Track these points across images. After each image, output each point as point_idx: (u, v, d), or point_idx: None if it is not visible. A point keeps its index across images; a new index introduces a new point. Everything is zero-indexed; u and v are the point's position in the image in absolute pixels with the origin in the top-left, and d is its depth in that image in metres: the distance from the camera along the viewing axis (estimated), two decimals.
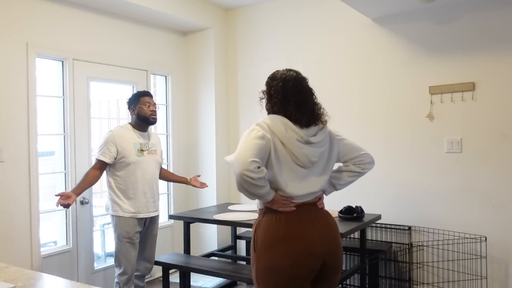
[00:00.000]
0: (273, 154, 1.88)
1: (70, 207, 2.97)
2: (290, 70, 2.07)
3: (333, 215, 3.08)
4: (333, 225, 2.03)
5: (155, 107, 3.24)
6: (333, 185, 2.12)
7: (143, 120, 3.19)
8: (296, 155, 1.90)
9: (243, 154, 1.79)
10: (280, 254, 1.88)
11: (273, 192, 1.92)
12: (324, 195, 2.11)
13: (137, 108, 3.17)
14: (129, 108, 3.23)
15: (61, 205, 2.86)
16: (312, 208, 1.99)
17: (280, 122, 1.92)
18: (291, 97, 1.97)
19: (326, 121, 2.04)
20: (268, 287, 1.92)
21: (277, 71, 2.07)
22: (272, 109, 2.00)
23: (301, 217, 1.93)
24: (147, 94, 3.27)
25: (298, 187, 1.94)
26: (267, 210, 1.98)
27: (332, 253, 1.96)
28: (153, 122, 3.25)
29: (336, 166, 2.13)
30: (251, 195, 1.88)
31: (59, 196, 2.89)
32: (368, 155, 2.12)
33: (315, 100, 2.07)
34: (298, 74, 2.07)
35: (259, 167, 1.79)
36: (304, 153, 1.91)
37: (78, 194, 3.00)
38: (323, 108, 2.08)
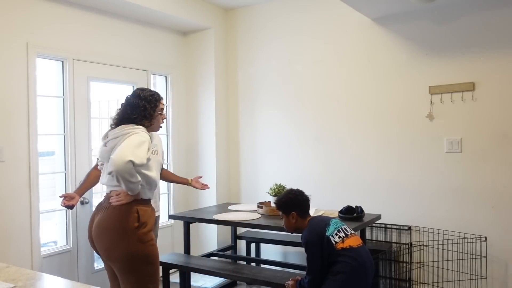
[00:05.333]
0: None
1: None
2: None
3: (333, 215, 3.08)
4: (105, 217, 2.38)
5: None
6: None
7: None
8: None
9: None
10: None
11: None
12: (124, 193, 2.34)
13: None
14: None
15: (64, 206, 2.87)
16: (106, 199, 2.43)
17: None
18: None
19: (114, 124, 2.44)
20: None
21: None
22: None
23: (97, 206, 2.50)
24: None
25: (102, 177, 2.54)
26: None
27: (96, 241, 2.40)
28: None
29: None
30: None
31: (63, 197, 2.89)
32: (111, 159, 2.26)
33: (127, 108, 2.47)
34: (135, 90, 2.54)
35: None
36: (100, 151, 2.48)
37: (81, 195, 2.99)
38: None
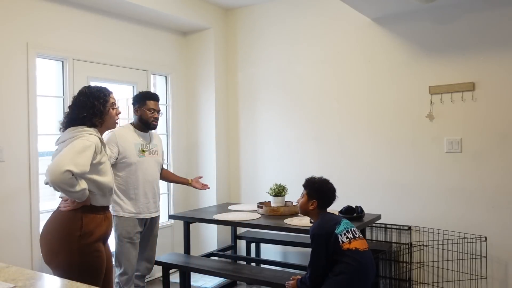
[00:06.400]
0: None
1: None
2: None
3: None
4: (50, 220, 2.27)
5: (159, 114, 3.24)
6: None
7: (143, 123, 3.20)
8: None
9: None
10: None
11: None
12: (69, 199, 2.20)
13: (140, 110, 3.18)
14: (133, 105, 3.23)
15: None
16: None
17: None
18: None
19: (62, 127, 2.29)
20: None
21: None
22: None
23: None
24: (154, 98, 3.25)
25: None
26: None
27: (40, 243, 2.27)
28: (153, 128, 3.26)
29: None
30: None
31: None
32: (47, 168, 2.13)
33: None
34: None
35: None
36: (52, 156, 2.27)
37: None
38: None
